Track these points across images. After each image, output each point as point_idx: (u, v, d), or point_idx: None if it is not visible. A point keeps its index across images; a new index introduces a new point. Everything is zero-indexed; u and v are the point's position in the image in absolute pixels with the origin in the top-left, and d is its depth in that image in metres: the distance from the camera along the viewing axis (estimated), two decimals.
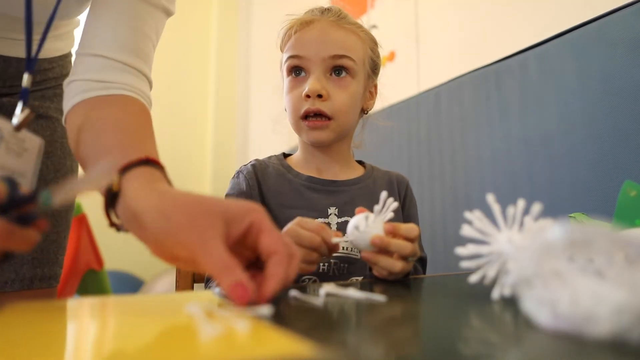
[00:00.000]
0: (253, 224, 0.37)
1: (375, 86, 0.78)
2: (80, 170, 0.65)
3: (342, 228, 0.66)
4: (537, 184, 1.08)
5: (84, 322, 0.34)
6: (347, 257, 0.66)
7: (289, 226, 0.53)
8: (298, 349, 0.23)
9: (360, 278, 0.66)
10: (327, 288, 0.40)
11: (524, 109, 1.13)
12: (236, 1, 2.98)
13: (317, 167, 0.74)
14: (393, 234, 0.52)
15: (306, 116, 0.69)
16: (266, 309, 0.32)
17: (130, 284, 2.35)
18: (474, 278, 0.37)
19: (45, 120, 0.69)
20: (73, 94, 0.51)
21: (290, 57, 0.71)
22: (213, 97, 2.87)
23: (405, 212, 0.76)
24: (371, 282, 0.55)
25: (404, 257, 0.52)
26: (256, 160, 0.74)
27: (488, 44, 1.26)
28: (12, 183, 0.34)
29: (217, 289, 0.39)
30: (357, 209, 0.53)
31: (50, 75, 0.71)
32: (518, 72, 1.16)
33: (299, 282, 0.63)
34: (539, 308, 0.28)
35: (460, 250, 0.36)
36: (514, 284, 0.32)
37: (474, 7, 1.32)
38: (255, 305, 0.33)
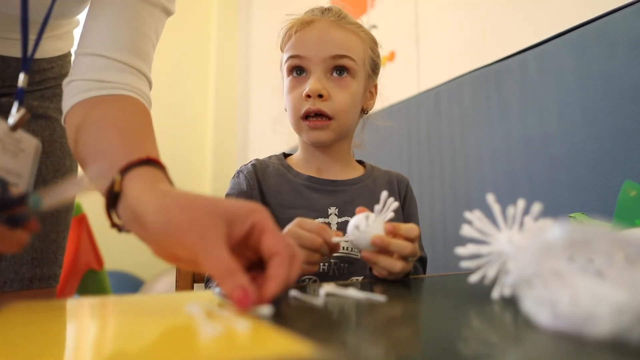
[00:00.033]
0: (255, 225, 0.37)
1: (376, 86, 0.78)
2: (79, 170, 0.65)
3: (342, 228, 0.66)
4: (537, 184, 1.08)
5: (84, 322, 0.34)
6: (347, 257, 0.66)
7: (289, 227, 0.53)
8: (298, 349, 0.23)
9: (360, 278, 0.66)
10: (327, 288, 0.40)
11: (524, 109, 1.13)
12: (236, 1, 2.98)
13: (318, 167, 0.74)
14: (393, 233, 0.52)
15: (307, 116, 0.69)
16: (266, 309, 0.32)
17: (130, 284, 2.35)
18: (474, 278, 0.37)
19: (45, 120, 0.69)
20: (72, 93, 0.51)
21: (291, 57, 0.71)
22: (213, 97, 2.87)
23: (406, 212, 0.76)
24: (371, 282, 0.55)
25: (404, 257, 0.52)
26: (256, 160, 0.74)
27: (488, 44, 1.26)
28: (2, 184, 0.34)
29: (217, 289, 0.39)
30: (357, 209, 0.53)
31: (50, 75, 0.71)
32: (518, 72, 1.16)
33: (299, 282, 0.63)
34: (539, 308, 0.28)
35: (460, 250, 0.36)
36: (514, 284, 0.32)
37: (474, 7, 1.32)
38: (256, 305, 0.33)
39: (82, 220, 1.58)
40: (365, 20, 0.78)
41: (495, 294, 0.36)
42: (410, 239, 0.52)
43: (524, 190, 1.11)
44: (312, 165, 0.74)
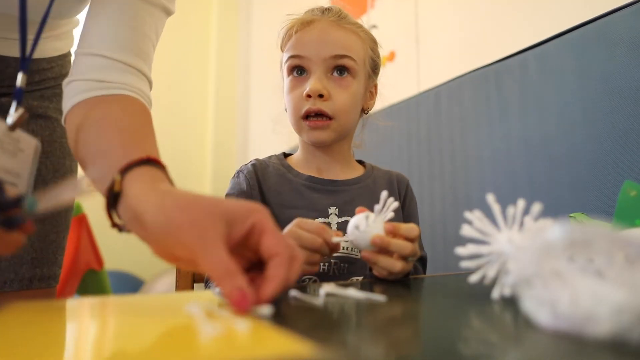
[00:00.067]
0: (255, 225, 0.36)
1: (376, 86, 0.78)
2: (79, 170, 0.65)
3: (342, 228, 0.66)
4: (537, 184, 1.08)
5: (84, 322, 0.34)
6: (347, 257, 0.66)
7: (289, 228, 0.53)
8: (298, 349, 0.23)
9: (360, 278, 0.66)
10: (327, 288, 0.40)
11: (524, 109, 1.13)
12: (236, 1, 2.98)
13: (318, 167, 0.74)
14: (393, 233, 0.52)
15: (307, 116, 0.69)
16: (266, 309, 0.32)
17: (130, 284, 2.35)
18: (474, 278, 0.37)
19: (44, 120, 0.69)
20: (73, 94, 0.51)
21: (291, 57, 0.71)
22: (213, 97, 2.87)
23: (406, 212, 0.76)
24: (371, 282, 0.55)
25: (404, 257, 0.52)
26: (256, 160, 0.74)
27: (488, 44, 1.26)
28: None
29: (217, 289, 0.39)
30: (357, 209, 0.53)
31: (49, 75, 0.71)
32: (518, 72, 1.16)
33: (299, 282, 0.63)
34: (539, 308, 0.28)
35: (460, 250, 0.36)
36: (514, 284, 0.32)
37: (474, 7, 1.32)
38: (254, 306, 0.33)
39: (82, 220, 1.58)
40: (365, 20, 0.78)
41: (495, 294, 0.36)
42: (410, 239, 0.52)
43: (524, 190, 1.11)
44: (313, 165, 0.74)
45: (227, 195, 0.71)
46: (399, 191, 0.77)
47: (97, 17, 0.54)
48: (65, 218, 0.72)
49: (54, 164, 0.69)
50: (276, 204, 0.69)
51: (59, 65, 0.72)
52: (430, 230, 1.36)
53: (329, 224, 0.68)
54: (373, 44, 0.76)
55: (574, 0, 1.05)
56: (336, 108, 0.68)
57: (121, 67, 0.52)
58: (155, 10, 0.56)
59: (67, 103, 0.52)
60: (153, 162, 0.43)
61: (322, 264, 0.65)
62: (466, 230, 0.37)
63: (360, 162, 0.80)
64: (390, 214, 0.51)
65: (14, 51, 0.63)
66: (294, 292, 0.39)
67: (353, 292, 0.40)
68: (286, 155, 0.77)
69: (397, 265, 0.51)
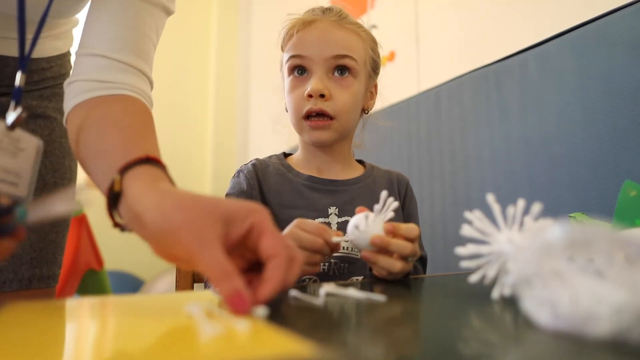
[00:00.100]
0: (254, 226, 0.36)
1: (376, 86, 0.78)
2: (79, 170, 0.65)
3: (342, 228, 0.66)
4: (537, 184, 1.08)
5: (84, 322, 0.34)
6: (347, 257, 0.66)
7: (289, 229, 0.53)
8: (298, 349, 0.23)
9: (360, 278, 0.66)
10: (327, 288, 0.40)
11: (524, 109, 1.13)
12: (236, 1, 2.98)
13: (318, 167, 0.74)
14: (393, 233, 0.52)
15: (308, 116, 0.69)
16: (261, 310, 0.31)
17: (130, 284, 2.35)
18: (474, 278, 0.37)
19: (44, 120, 0.69)
20: (74, 94, 0.51)
21: (292, 56, 0.71)
22: (213, 97, 2.87)
23: (406, 211, 0.76)
24: (371, 282, 0.55)
25: (404, 257, 0.52)
26: (256, 159, 0.74)
27: (488, 44, 1.26)
28: None
29: (216, 289, 0.39)
30: (357, 209, 0.53)
31: (49, 74, 0.71)
32: (518, 72, 1.16)
33: (299, 282, 0.63)
34: (539, 308, 0.28)
35: (460, 250, 0.36)
36: (514, 284, 0.32)
37: (474, 7, 1.32)
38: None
39: (82, 220, 1.58)
40: (365, 20, 0.78)
41: (495, 294, 0.36)
42: (410, 239, 0.52)
43: (524, 190, 1.11)
44: (313, 165, 0.74)
45: (227, 195, 0.71)
46: (399, 191, 0.77)
47: (97, 17, 0.54)
48: (65, 218, 0.72)
49: (53, 164, 0.69)
50: (276, 203, 0.69)
51: (58, 65, 0.72)
52: (430, 230, 1.36)
53: (329, 224, 0.68)
54: (373, 44, 0.76)
55: (574, 0, 1.05)
56: (337, 108, 0.68)
57: (122, 67, 0.52)
58: (155, 10, 0.56)
59: (68, 103, 0.52)
60: (153, 161, 0.43)
61: (322, 264, 0.65)
62: (466, 230, 0.37)
63: (360, 161, 0.80)
64: (390, 214, 0.51)
65: (13, 51, 0.63)
66: (294, 292, 0.39)
67: (353, 292, 0.40)
68: (286, 155, 0.77)
69: (396, 265, 0.51)
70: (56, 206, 0.35)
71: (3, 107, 0.64)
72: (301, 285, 0.47)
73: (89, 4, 0.57)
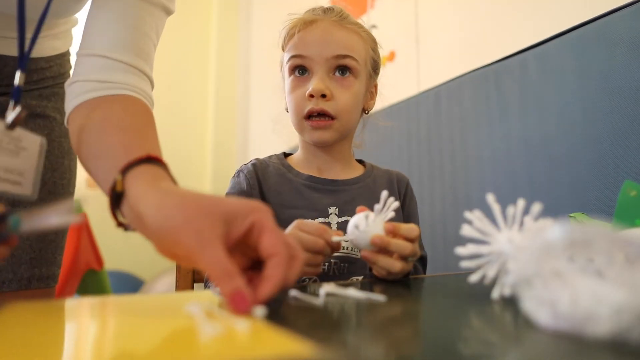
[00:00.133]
0: (255, 224, 0.36)
1: (376, 86, 0.78)
2: (79, 169, 0.65)
3: (342, 227, 0.66)
4: (537, 184, 1.08)
5: (84, 322, 0.34)
6: (347, 257, 0.66)
7: (290, 230, 0.53)
8: (298, 349, 0.23)
9: (360, 278, 0.66)
10: (327, 288, 0.40)
11: (524, 109, 1.13)
12: (236, 1, 2.98)
13: (318, 167, 0.74)
14: (393, 233, 0.52)
15: (309, 116, 0.69)
16: (260, 310, 0.31)
17: (130, 284, 2.35)
18: (474, 278, 0.37)
19: (43, 120, 0.69)
20: (75, 94, 0.51)
21: (293, 56, 0.71)
22: (213, 97, 2.87)
23: (406, 211, 0.76)
24: (371, 282, 0.55)
25: (404, 257, 0.52)
26: (256, 159, 0.74)
27: (488, 44, 1.26)
28: None
29: (217, 289, 0.39)
30: (357, 208, 0.53)
31: (48, 74, 0.70)
32: (518, 72, 1.16)
33: (299, 282, 0.63)
34: (539, 308, 0.28)
35: (460, 250, 0.36)
36: (514, 284, 0.32)
37: (474, 7, 1.32)
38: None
39: (82, 220, 1.58)
40: (365, 20, 0.78)
41: (495, 294, 0.36)
42: (410, 239, 0.52)
43: (524, 190, 1.11)
44: (313, 165, 0.74)
45: (227, 194, 0.71)
46: (399, 190, 0.77)
47: (97, 18, 0.54)
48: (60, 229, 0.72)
49: (52, 163, 0.69)
50: (276, 203, 0.69)
51: (58, 65, 0.72)
52: (430, 230, 1.36)
53: (329, 223, 0.68)
54: (374, 44, 0.76)
55: (574, 0, 1.05)
56: (338, 108, 0.68)
57: (122, 67, 0.52)
58: (155, 9, 0.56)
59: (69, 104, 0.52)
60: (154, 161, 0.43)
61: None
62: (466, 230, 0.37)
63: (360, 161, 0.80)
64: (391, 214, 0.51)
65: (12, 50, 0.63)
66: (294, 292, 0.39)
67: (353, 292, 0.40)
68: (286, 155, 0.77)
69: (396, 265, 0.51)
70: (51, 218, 0.35)
71: (2, 107, 0.64)
72: (301, 285, 0.47)
73: (88, 4, 0.57)
